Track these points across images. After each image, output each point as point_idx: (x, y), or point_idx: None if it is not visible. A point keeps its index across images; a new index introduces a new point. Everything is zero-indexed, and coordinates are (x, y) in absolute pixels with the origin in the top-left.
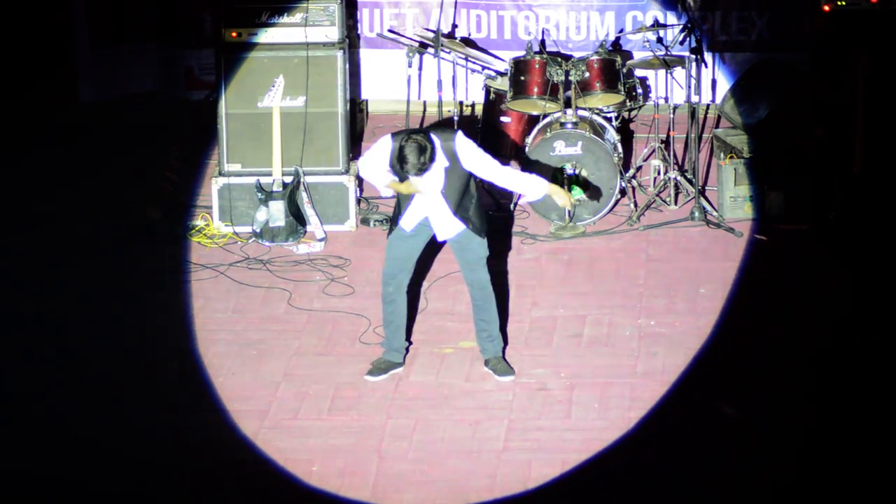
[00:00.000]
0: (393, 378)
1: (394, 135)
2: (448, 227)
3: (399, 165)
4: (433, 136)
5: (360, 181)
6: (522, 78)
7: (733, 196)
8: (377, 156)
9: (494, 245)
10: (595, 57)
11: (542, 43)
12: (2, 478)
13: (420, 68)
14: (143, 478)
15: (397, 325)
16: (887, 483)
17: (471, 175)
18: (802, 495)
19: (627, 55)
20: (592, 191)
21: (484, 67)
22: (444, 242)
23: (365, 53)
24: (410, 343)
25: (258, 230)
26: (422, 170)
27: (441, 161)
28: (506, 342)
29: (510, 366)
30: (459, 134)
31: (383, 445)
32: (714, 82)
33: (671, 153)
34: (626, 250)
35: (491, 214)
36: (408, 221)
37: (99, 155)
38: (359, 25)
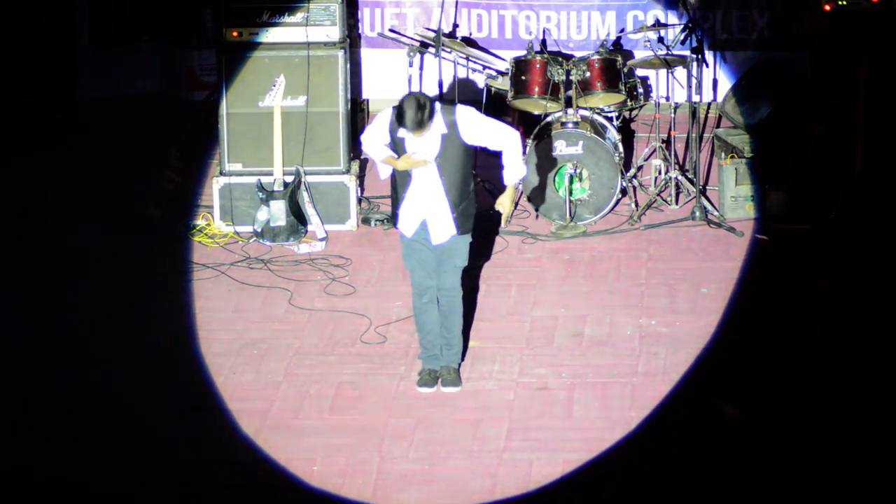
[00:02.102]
0: (394, 377)
1: (394, 107)
2: (444, 228)
3: (397, 122)
4: (435, 101)
5: (360, 181)
6: (523, 77)
7: (734, 196)
8: (376, 128)
9: (494, 245)
10: (596, 56)
11: (543, 42)
12: (1, 477)
13: (421, 68)
14: (144, 477)
15: (436, 332)
16: (887, 483)
17: (469, 155)
18: (803, 495)
19: (628, 55)
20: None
21: (485, 67)
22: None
23: (366, 53)
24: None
25: (259, 230)
26: (419, 125)
27: (439, 126)
28: (463, 356)
29: (459, 378)
30: (460, 105)
31: (384, 445)
32: (715, 82)
33: (672, 153)
34: (627, 250)
35: (491, 214)
36: (406, 223)
37: (99, 155)
38: (360, 25)
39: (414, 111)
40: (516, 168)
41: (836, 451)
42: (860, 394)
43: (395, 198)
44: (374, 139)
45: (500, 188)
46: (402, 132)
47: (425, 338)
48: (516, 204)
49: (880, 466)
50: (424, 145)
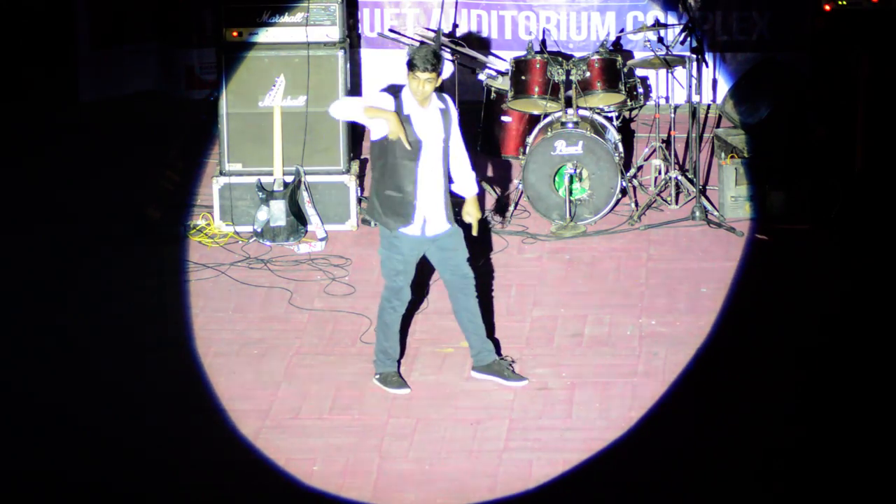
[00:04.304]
0: None
1: (395, 86)
2: (441, 217)
3: (409, 69)
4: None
5: (360, 181)
6: (523, 77)
7: (734, 196)
8: (380, 97)
9: (494, 245)
10: (596, 56)
11: (543, 43)
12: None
13: None
14: (143, 477)
15: (398, 334)
16: (887, 482)
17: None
18: (803, 495)
19: (628, 55)
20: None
21: (485, 67)
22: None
23: (366, 53)
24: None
25: (259, 230)
26: (431, 63)
27: (437, 102)
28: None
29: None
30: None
31: (384, 445)
32: (715, 82)
33: (672, 153)
34: (627, 250)
35: (487, 217)
36: (418, 220)
37: (99, 155)
38: (359, 25)
39: (425, 50)
40: (472, 182)
41: (837, 451)
42: (861, 393)
43: (402, 194)
44: (366, 101)
45: (501, 188)
46: (407, 108)
47: (391, 339)
48: (515, 204)
49: (879, 466)
50: (429, 123)
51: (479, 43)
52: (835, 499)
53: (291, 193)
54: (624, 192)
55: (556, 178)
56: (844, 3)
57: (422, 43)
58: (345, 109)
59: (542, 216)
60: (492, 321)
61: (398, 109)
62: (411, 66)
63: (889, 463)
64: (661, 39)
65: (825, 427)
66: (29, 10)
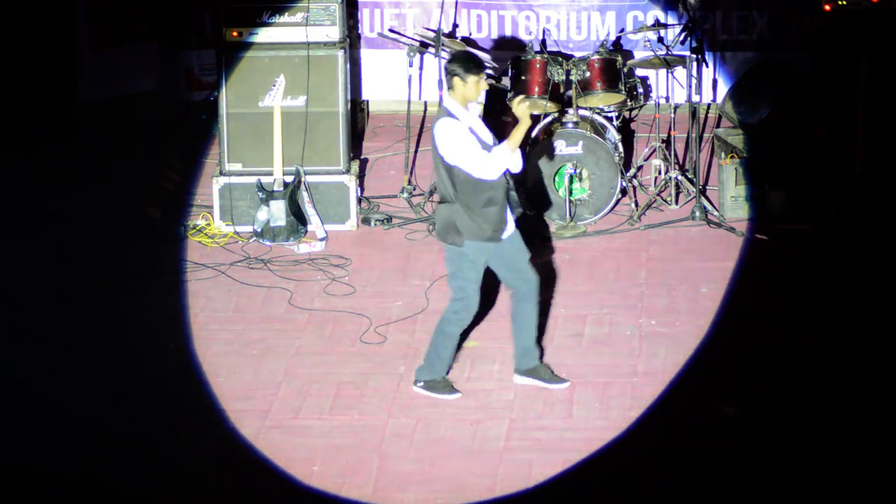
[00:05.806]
0: (394, 377)
1: (438, 119)
2: (511, 221)
3: (469, 73)
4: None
5: (360, 181)
6: (523, 77)
7: (734, 196)
8: (469, 140)
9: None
10: (596, 56)
11: (543, 43)
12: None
13: (421, 68)
14: (143, 477)
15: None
16: (885, 481)
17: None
18: (802, 494)
19: (628, 55)
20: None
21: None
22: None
23: (365, 53)
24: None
25: (259, 230)
26: (482, 62)
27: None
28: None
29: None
30: None
31: (384, 445)
32: (715, 82)
33: (672, 153)
34: (627, 250)
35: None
36: (509, 225)
37: (99, 155)
38: (359, 25)
39: (465, 54)
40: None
41: (837, 450)
42: (860, 393)
43: (496, 205)
44: (476, 145)
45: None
46: (465, 121)
47: (450, 349)
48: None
49: (879, 465)
50: (484, 127)
51: (479, 43)
52: (836, 498)
53: (291, 193)
54: (624, 192)
55: (556, 178)
56: (844, 3)
57: (423, 44)
58: (502, 165)
59: (542, 216)
60: (492, 321)
61: (468, 129)
62: (468, 72)
63: (890, 460)
64: (661, 39)
65: (825, 427)
66: (29, 11)
